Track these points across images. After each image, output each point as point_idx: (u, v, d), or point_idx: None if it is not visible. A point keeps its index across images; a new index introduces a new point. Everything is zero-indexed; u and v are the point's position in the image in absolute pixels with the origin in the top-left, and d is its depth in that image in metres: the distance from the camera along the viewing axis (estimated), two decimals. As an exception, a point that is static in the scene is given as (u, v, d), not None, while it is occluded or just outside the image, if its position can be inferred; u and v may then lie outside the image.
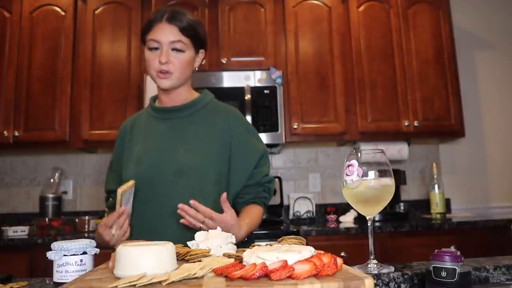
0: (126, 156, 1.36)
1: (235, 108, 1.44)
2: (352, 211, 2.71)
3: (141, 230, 1.25)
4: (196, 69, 1.38)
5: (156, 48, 1.27)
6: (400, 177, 2.79)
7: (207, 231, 0.87)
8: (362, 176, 0.88)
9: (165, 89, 1.32)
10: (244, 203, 1.35)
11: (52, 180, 2.79)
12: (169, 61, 1.26)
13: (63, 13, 2.72)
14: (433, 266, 0.75)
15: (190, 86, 1.41)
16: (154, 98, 1.44)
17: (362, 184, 0.88)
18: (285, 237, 0.89)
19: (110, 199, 1.42)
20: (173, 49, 1.27)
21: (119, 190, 1.13)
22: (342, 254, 2.28)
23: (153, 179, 1.27)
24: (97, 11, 2.75)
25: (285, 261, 0.59)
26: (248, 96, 2.58)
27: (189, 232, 1.10)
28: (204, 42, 1.37)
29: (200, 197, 1.22)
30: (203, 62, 1.42)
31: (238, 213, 1.32)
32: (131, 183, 1.17)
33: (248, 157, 1.34)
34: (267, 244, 0.81)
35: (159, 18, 1.27)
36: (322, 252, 0.64)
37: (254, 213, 1.30)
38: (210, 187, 1.27)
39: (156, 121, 1.37)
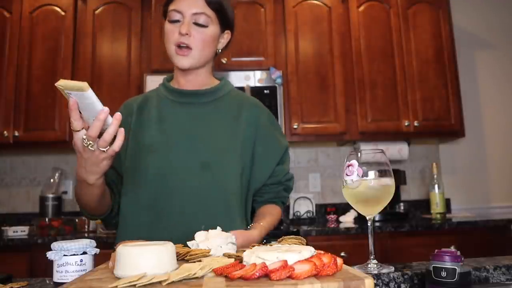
0: (131, 139, 1.20)
1: (257, 100, 1.33)
2: (352, 211, 2.71)
3: (160, 225, 1.11)
4: (219, 51, 1.25)
5: (177, 21, 1.14)
6: (400, 177, 2.79)
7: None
8: (362, 176, 0.88)
9: (184, 69, 1.19)
10: (262, 202, 1.26)
11: (52, 180, 2.79)
12: (190, 34, 1.13)
13: (63, 13, 2.72)
14: (433, 266, 0.75)
15: (211, 70, 1.28)
16: (168, 79, 1.30)
17: (362, 184, 0.88)
18: (285, 237, 0.88)
19: None
20: (196, 24, 1.14)
21: (59, 83, 0.82)
22: (342, 254, 2.28)
23: (173, 170, 1.13)
24: (97, 11, 2.75)
25: (285, 261, 0.59)
26: (248, 96, 2.58)
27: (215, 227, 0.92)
28: (231, 22, 1.24)
29: (224, 190, 1.15)
30: (228, 46, 1.28)
31: (254, 211, 1.26)
32: (78, 84, 0.81)
33: (271, 153, 1.24)
34: (267, 244, 0.81)
35: None
36: (322, 252, 0.64)
37: (272, 214, 1.21)
38: (234, 181, 1.16)
39: (172, 104, 1.22)
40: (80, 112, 0.86)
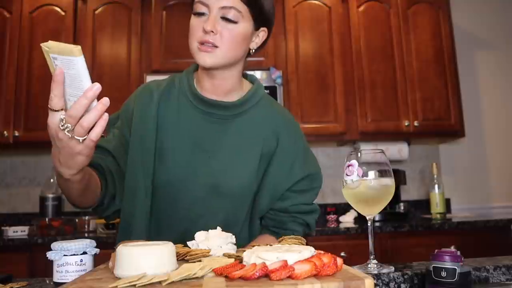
0: (147, 135, 1.07)
1: (289, 113, 1.19)
2: (352, 211, 2.71)
3: (161, 237, 1.01)
4: (253, 51, 1.07)
5: (202, 14, 0.98)
6: (400, 177, 2.79)
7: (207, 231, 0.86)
8: (362, 176, 0.88)
9: (206, 68, 1.02)
10: (264, 227, 1.12)
11: (52, 180, 2.79)
12: (216, 31, 0.96)
13: (63, 13, 2.72)
14: (433, 266, 0.75)
15: (241, 73, 1.10)
16: (193, 69, 1.12)
17: (362, 184, 0.88)
18: (285, 237, 0.88)
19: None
20: (223, 18, 0.97)
21: (47, 45, 0.67)
22: (342, 254, 2.28)
23: (180, 190, 1.03)
24: (97, 11, 2.75)
25: (285, 261, 0.59)
26: (248, 96, 2.58)
27: None
28: (268, 18, 1.05)
29: (230, 220, 1.05)
30: (264, 45, 1.10)
31: None
32: (68, 47, 0.66)
33: (279, 178, 1.09)
34: (267, 244, 0.81)
35: None
36: (322, 252, 0.64)
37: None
38: (242, 210, 1.08)
39: (192, 108, 1.06)
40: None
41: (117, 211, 1.09)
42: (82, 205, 1.02)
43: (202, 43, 0.97)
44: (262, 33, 1.07)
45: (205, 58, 0.98)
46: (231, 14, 0.97)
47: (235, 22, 0.98)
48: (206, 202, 1.03)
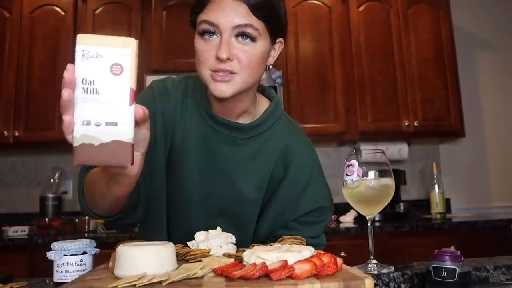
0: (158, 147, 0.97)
1: (306, 138, 1.10)
2: (352, 211, 2.71)
3: None
4: (270, 67, 0.95)
5: (211, 33, 0.84)
6: (400, 177, 2.79)
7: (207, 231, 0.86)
8: (362, 176, 0.88)
9: (223, 99, 0.88)
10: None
11: (52, 180, 2.79)
12: (232, 57, 0.83)
13: (63, 13, 2.72)
14: (433, 266, 0.76)
15: (256, 90, 0.99)
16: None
17: (362, 184, 0.88)
18: (285, 237, 0.88)
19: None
20: (239, 35, 0.83)
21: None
22: (342, 254, 2.27)
23: (179, 208, 0.99)
24: (97, 11, 2.75)
25: (285, 261, 0.59)
26: (248, 96, 2.58)
27: None
28: (284, 26, 0.92)
29: (238, 242, 0.93)
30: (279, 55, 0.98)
31: None
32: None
33: (289, 207, 1.01)
34: (267, 244, 0.81)
35: None
36: (322, 252, 0.64)
37: None
38: (250, 232, 1.03)
39: (205, 126, 0.97)
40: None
41: (130, 224, 0.97)
42: (112, 212, 0.87)
43: (216, 71, 0.84)
44: (279, 45, 0.94)
45: (222, 89, 0.84)
46: (249, 30, 0.83)
47: (253, 40, 0.84)
48: (210, 225, 0.94)
